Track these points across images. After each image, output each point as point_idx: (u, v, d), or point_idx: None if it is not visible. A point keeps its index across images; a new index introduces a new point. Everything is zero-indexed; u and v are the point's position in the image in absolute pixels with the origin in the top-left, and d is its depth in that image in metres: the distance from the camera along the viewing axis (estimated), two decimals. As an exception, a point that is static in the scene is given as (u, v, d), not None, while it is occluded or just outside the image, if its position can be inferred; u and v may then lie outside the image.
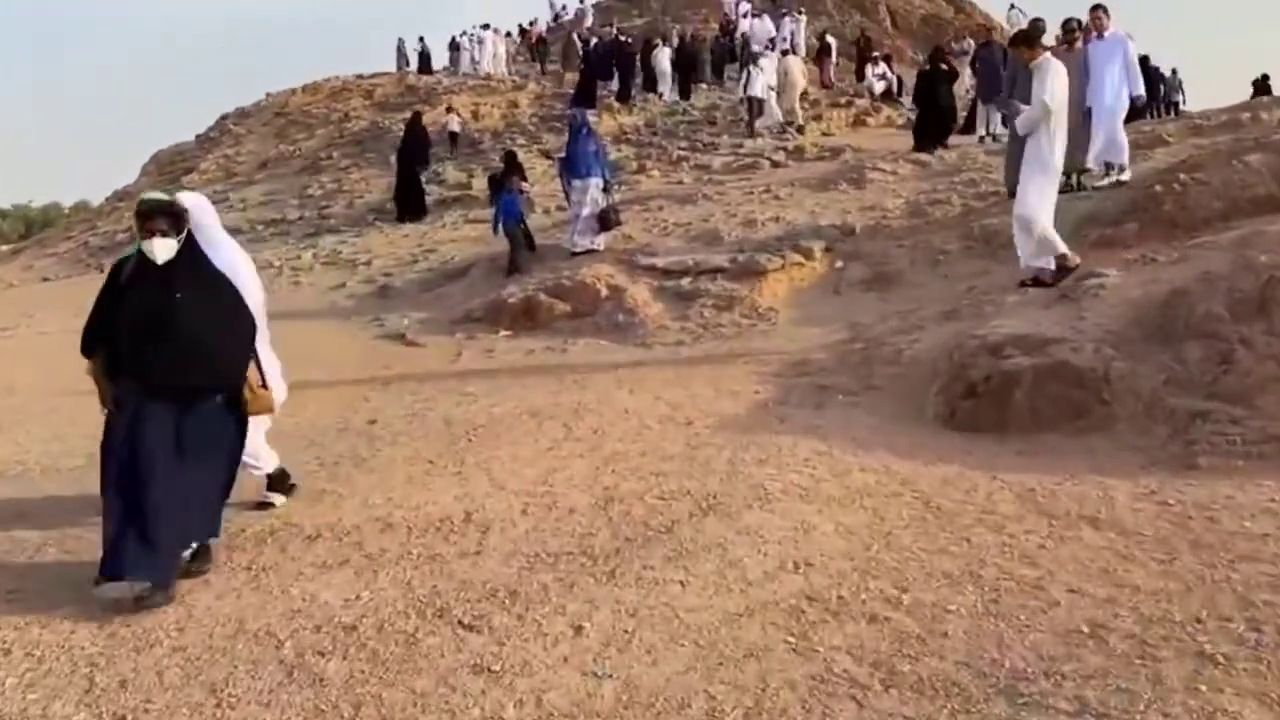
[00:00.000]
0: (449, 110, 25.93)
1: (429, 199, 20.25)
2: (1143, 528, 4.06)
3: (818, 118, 23.84)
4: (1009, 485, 4.68)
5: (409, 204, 19.62)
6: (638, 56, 27.79)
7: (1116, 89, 9.45)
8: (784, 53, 25.24)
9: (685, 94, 27.10)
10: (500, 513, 4.80)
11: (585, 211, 12.14)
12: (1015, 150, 9.34)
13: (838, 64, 29.37)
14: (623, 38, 29.00)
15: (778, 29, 28.83)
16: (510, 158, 18.33)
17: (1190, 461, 4.66)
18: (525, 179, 19.25)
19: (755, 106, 21.84)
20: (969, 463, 5.04)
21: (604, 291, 10.20)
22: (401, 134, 22.16)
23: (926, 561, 3.94)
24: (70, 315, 15.31)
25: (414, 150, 22.15)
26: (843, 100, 26.00)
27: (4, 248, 42.91)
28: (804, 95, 26.57)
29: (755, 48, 26.30)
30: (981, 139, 16.94)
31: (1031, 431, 5.39)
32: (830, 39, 29.69)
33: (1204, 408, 4.95)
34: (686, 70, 27.51)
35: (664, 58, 27.74)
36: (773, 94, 22.15)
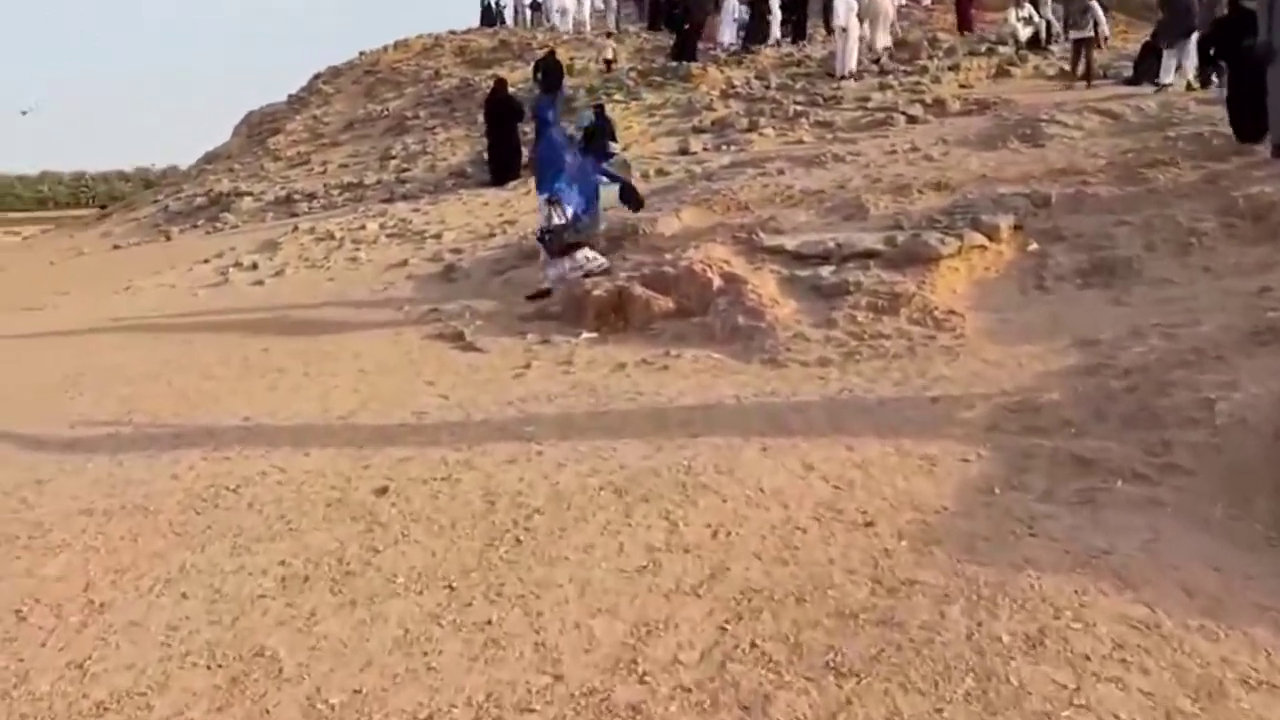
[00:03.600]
0: (607, 36, 27.18)
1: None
2: None
3: (954, 67, 20.86)
4: None
5: (509, 165, 17.50)
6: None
7: None
8: None
9: (799, 36, 24.76)
10: (542, 765, 2.51)
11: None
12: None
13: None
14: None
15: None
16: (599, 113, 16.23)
17: None
18: (615, 138, 17.00)
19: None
20: None
21: (717, 282, 7.79)
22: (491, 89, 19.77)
23: None
24: (106, 295, 13.65)
25: (549, 89, 20.98)
26: (983, 48, 22.85)
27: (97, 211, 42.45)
28: (933, 41, 23.74)
29: None
30: (1160, 88, 13.94)
31: None
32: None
33: None
34: (798, 12, 25.15)
35: (774, 1, 25.76)
36: (845, 36, 19.97)
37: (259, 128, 33.89)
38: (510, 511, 4.18)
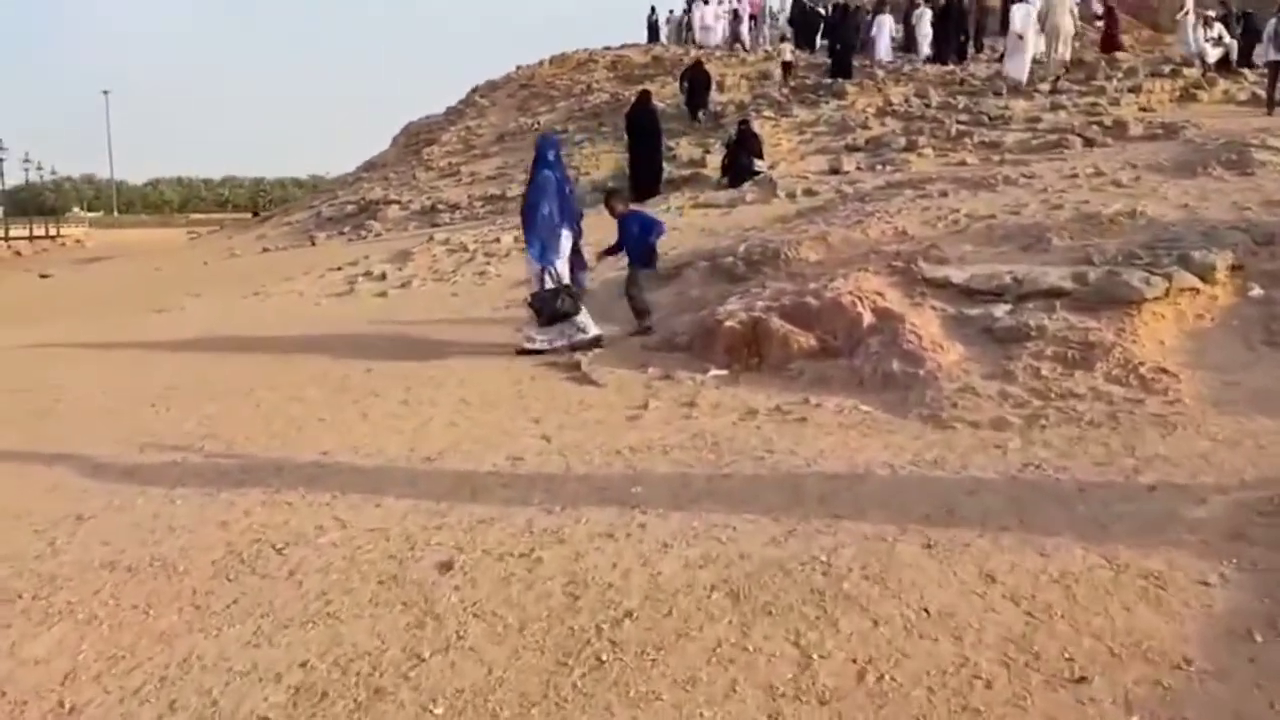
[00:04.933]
0: (783, 39, 27.52)
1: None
2: None
3: (1135, 89, 19.11)
4: None
5: (651, 180, 16.89)
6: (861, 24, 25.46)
7: None
8: None
9: (960, 56, 23.41)
10: None
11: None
12: None
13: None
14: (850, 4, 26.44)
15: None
16: (744, 129, 15.43)
17: None
18: (760, 155, 16.12)
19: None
20: None
21: (868, 318, 6.74)
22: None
23: None
24: (235, 299, 13.49)
25: (694, 99, 21.06)
26: (1166, 70, 20.92)
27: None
28: (1111, 62, 21.91)
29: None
30: None
31: None
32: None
33: None
34: (955, 33, 23.85)
35: (925, 20, 24.69)
36: (1021, 42, 19.15)
37: (416, 138, 34.44)
38: (596, 611, 3.29)
